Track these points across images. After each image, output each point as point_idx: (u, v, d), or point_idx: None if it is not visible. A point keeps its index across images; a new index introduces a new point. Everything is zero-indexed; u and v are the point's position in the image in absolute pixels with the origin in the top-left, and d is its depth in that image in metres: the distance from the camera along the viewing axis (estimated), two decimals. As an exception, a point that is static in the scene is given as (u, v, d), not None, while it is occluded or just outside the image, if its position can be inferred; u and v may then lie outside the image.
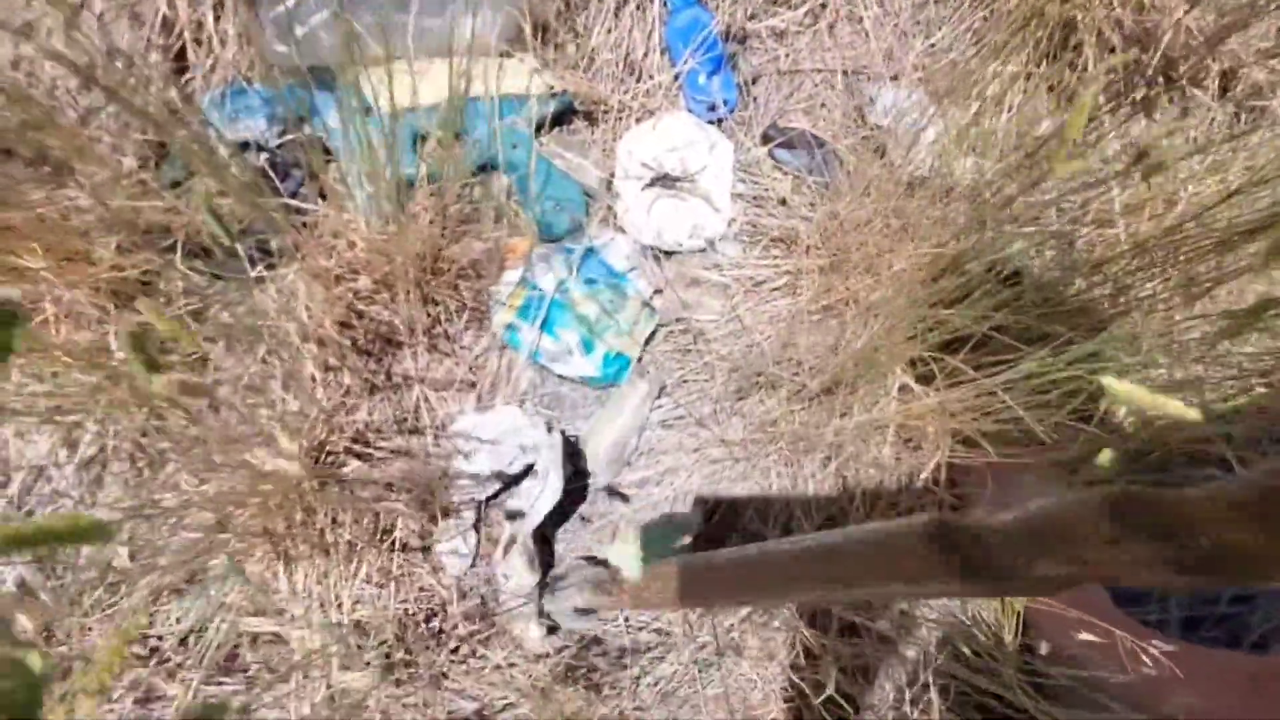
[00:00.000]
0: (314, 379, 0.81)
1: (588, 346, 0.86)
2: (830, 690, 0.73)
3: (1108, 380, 0.37)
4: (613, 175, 0.95)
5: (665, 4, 0.97)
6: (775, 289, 0.96)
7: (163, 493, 0.78)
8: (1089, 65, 1.01)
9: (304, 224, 0.81)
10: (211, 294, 0.80)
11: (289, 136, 0.83)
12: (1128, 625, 0.78)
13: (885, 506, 0.84)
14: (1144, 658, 0.52)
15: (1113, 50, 1.00)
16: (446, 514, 0.84)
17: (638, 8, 0.97)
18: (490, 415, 0.85)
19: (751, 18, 1.00)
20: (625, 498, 0.88)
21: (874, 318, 0.86)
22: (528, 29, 0.87)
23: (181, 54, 0.87)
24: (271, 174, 0.82)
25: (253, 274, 0.80)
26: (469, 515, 0.84)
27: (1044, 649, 0.58)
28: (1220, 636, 0.95)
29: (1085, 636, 0.54)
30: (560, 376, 0.89)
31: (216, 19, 0.83)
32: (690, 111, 0.98)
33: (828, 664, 0.76)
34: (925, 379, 0.81)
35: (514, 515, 0.83)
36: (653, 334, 0.91)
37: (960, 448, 0.79)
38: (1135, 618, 0.88)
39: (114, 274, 0.76)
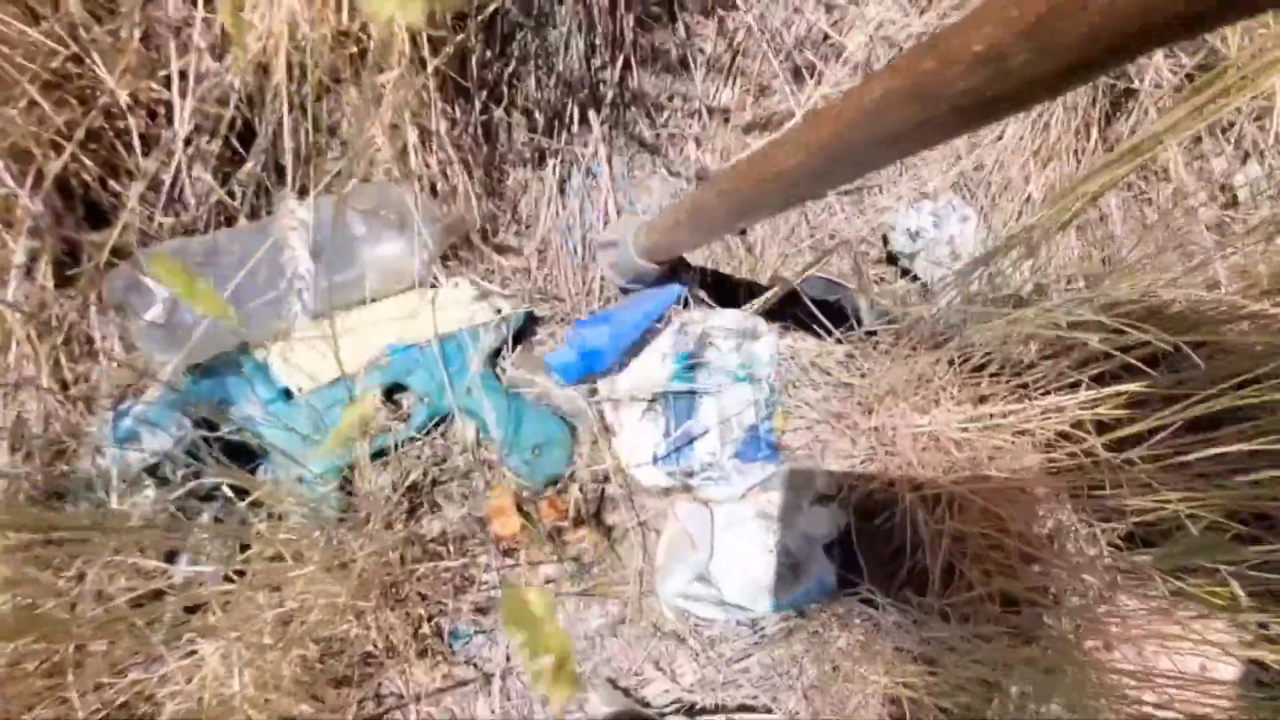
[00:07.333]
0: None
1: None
2: None
3: None
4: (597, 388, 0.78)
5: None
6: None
7: None
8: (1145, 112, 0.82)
9: (236, 570, 0.66)
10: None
11: (201, 472, 0.67)
12: None
13: None
14: None
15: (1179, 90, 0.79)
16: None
17: (588, 174, 0.81)
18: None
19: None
20: None
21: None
22: (436, 266, 0.71)
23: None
24: (182, 512, 0.67)
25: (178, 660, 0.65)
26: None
27: None
28: None
29: None
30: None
31: (88, 344, 0.69)
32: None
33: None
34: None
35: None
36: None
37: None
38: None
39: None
